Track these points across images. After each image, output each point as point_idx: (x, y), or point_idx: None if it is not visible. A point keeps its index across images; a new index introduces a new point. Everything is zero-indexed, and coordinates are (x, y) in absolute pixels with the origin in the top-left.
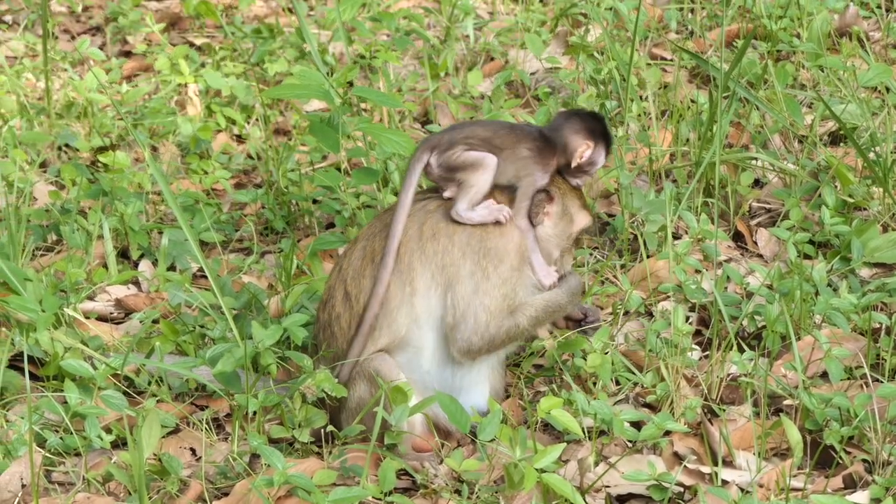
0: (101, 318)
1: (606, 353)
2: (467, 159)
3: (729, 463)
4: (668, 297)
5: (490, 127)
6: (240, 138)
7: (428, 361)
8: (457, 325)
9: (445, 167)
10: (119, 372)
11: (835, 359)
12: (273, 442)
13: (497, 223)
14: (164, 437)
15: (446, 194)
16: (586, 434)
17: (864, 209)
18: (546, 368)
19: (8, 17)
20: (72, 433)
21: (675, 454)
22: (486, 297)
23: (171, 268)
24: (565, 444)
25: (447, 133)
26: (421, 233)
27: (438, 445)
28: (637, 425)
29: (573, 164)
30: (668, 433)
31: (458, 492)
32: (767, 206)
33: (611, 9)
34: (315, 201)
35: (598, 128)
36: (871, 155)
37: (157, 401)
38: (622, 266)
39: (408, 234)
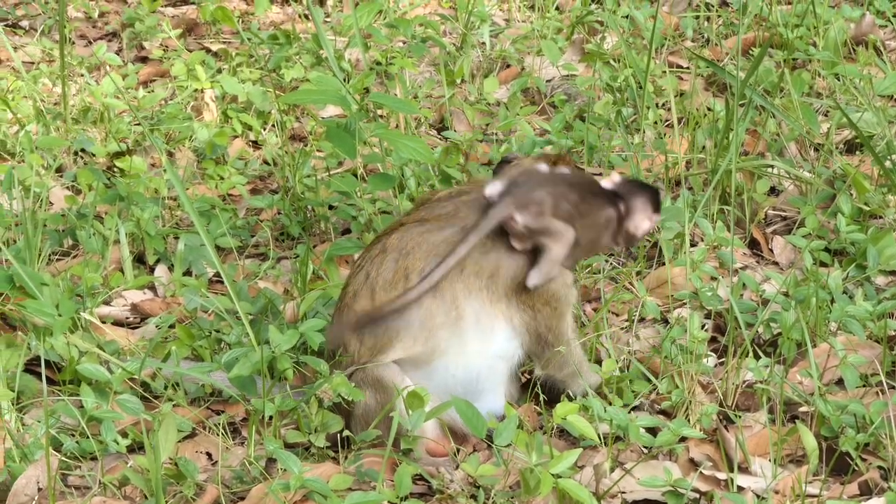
0: (117, 323)
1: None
2: (553, 228)
3: (744, 469)
4: (684, 303)
5: (577, 190)
6: (256, 144)
7: (451, 372)
8: (560, 368)
9: (530, 229)
10: (135, 376)
11: (850, 366)
12: (289, 446)
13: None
14: (180, 441)
15: (517, 246)
16: (602, 440)
17: (880, 217)
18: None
19: (25, 23)
20: (88, 437)
21: (691, 460)
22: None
23: (187, 273)
24: (581, 449)
25: (537, 191)
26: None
27: (454, 450)
28: (653, 431)
29: (630, 233)
30: (683, 439)
31: (473, 497)
32: (783, 213)
33: (627, 16)
34: (331, 207)
35: (659, 204)
36: (888, 163)
37: (173, 405)
38: (638, 273)
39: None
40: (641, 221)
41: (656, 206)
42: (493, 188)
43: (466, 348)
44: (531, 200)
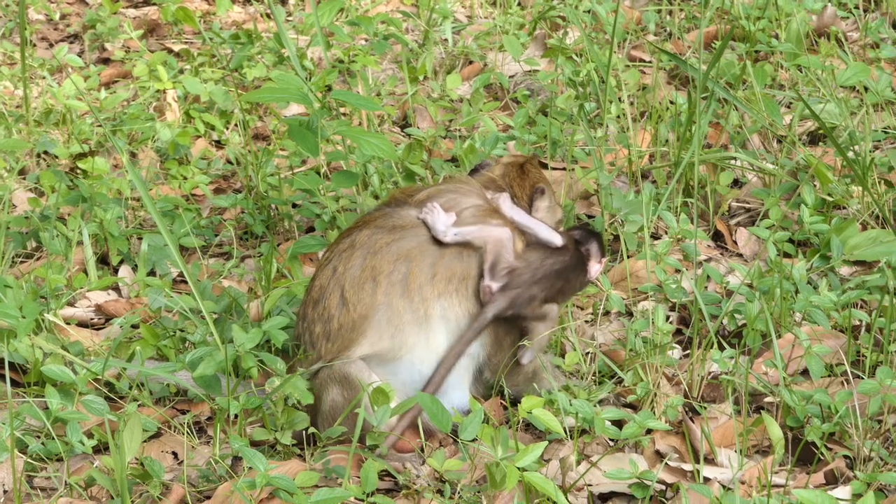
0: (82, 324)
1: (588, 353)
2: (543, 314)
3: (710, 460)
4: (649, 296)
5: (563, 272)
6: (219, 143)
7: (406, 370)
8: (490, 352)
9: (518, 315)
10: (100, 377)
11: (815, 356)
12: (255, 444)
13: None
14: (145, 441)
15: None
16: (568, 433)
17: (844, 208)
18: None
19: None
20: (53, 438)
21: (657, 452)
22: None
23: (151, 273)
24: (547, 443)
25: (527, 287)
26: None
27: (421, 446)
28: (619, 424)
29: (585, 279)
30: (649, 431)
31: (440, 492)
32: (747, 205)
33: (589, 11)
34: (295, 205)
35: (604, 248)
36: (850, 154)
37: (139, 405)
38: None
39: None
40: (593, 266)
41: (603, 251)
42: (493, 285)
43: (433, 345)
44: (519, 297)
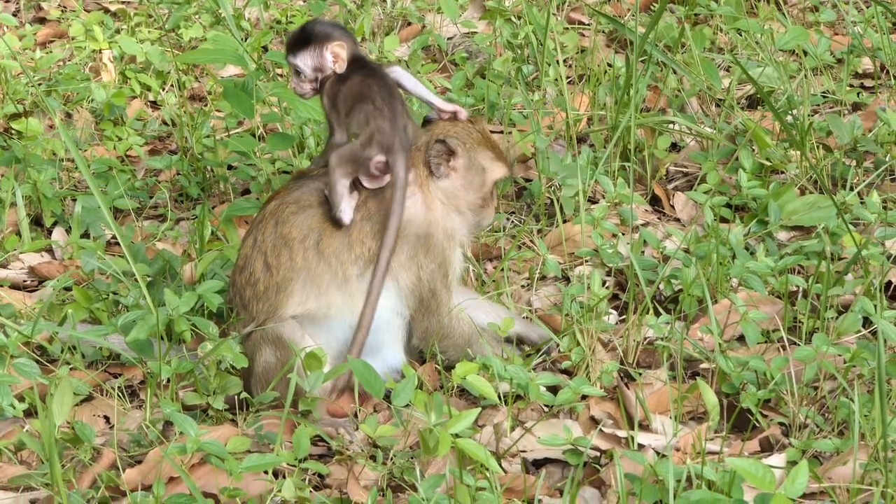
0: (14, 287)
1: (525, 317)
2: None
3: (645, 427)
4: (585, 261)
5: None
6: (154, 104)
7: (337, 329)
8: (418, 321)
9: None
10: (31, 339)
11: (751, 322)
12: (187, 409)
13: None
14: (77, 405)
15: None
16: (502, 399)
17: (782, 172)
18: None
19: None
20: None
21: (592, 418)
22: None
23: (85, 235)
24: (480, 409)
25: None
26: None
27: (354, 411)
28: (553, 390)
29: None
30: (584, 397)
31: (373, 457)
32: (685, 169)
33: None
34: (230, 167)
35: None
36: (789, 118)
37: (71, 369)
38: (539, 231)
39: (328, 230)
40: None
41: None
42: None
43: (356, 304)
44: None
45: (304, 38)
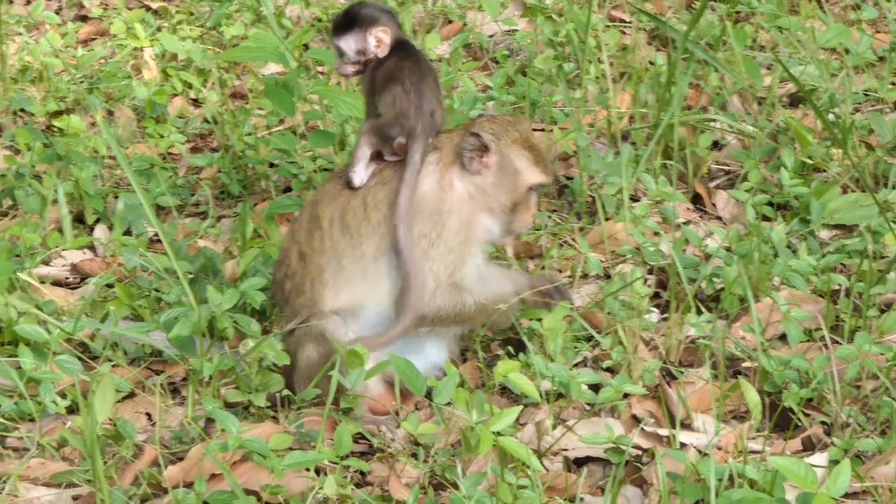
0: (57, 283)
1: (565, 318)
2: None
3: (687, 426)
4: (627, 259)
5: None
6: (196, 102)
7: (375, 325)
8: (403, 291)
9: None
10: (73, 336)
11: (793, 321)
12: (229, 406)
13: None
14: (119, 402)
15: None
16: (544, 397)
17: (824, 171)
18: (503, 331)
19: None
20: (26, 398)
21: (633, 417)
22: (433, 263)
23: (127, 232)
24: (522, 407)
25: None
26: (365, 202)
27: (396, 409)
28: (595, 388)
29: None
30: (626, 396)
31: (414, 455)
32: (726, 167)
33: None
34: (271, 165)
35: None
36: (830, 116)
37: (113, 366)
38: (580, 229)
39: (351, 203)
40: None
41: None
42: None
43: (381, 289)
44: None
45: (349, 21)
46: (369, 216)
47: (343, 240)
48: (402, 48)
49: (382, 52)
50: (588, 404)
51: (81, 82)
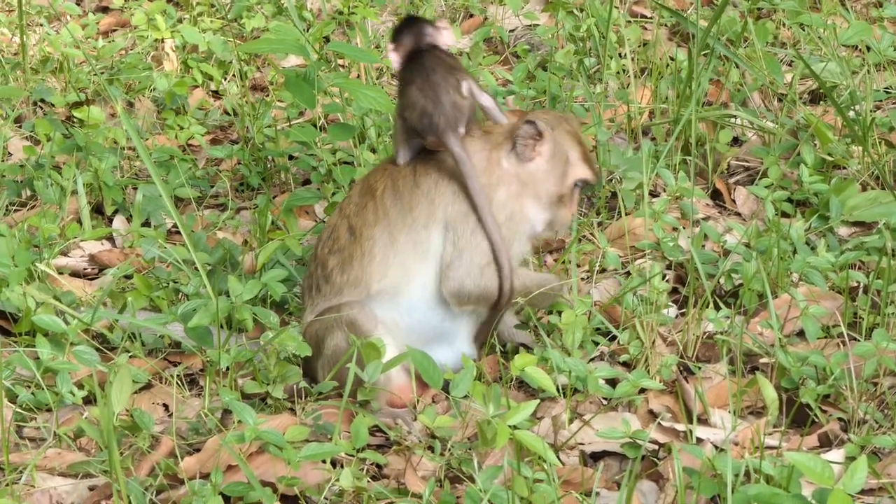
0: (75, 274)
1: (584, 314)
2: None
3: (704, 421)
4: (645, 254)
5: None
6: (216, 94)
7: (417, 307)
8: (451, 264)
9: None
10: (91, 327)
11: (811, 317)
12: (246, 398)
13: None
14: (136, 392)
15: None
16: (561, 391)
17: (843, 168)
18: (520, 325)
19: None
20: (43, 389)
21: (650, 412)
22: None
23: (146, 223)
24: (539, 401)
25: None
26: (415, 170)
27: (414, 402)
28: (612, 383)
29: None
30: (643, 391)
31: (431, 448)
32: (746, 164)
33: None
34: (291, 157)
35: None
36: (851, 113)
37: (130, 356)
38: (599, 223)
39: (402, 171)
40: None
41: None
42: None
43: (428, 271)
44: None
45: (392, 36)
46: (418, 181)
47: (394, 208)
48: (415, 54)
49: (396, 67)
50: (605, 399)
51: (102, 73)
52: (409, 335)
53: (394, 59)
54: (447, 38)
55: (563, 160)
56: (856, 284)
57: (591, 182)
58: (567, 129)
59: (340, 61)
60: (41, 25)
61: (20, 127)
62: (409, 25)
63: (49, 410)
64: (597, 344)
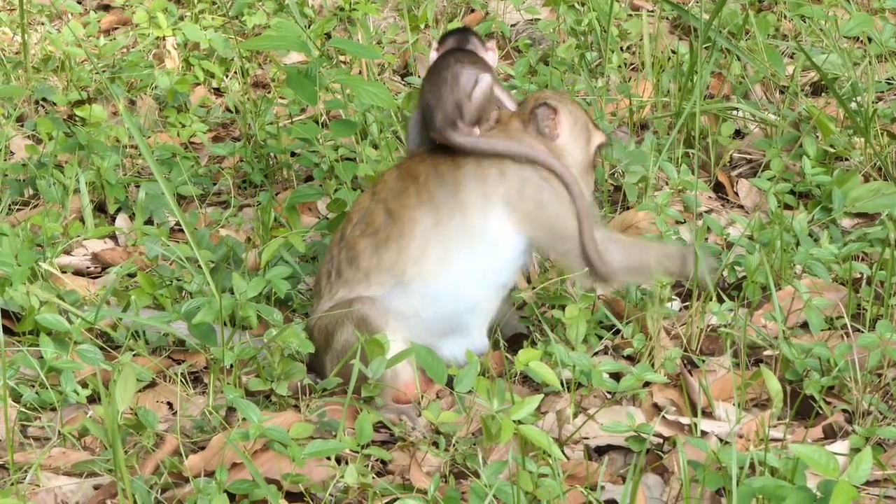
0: (78, 273)
1: (587, 308)
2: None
3: (708, 414)
4: None
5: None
6: (218, 91)
7: (444, 294)
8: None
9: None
10: (94, 326)
11: (815, 309)
12: (251, 395)
13: None
14: (140, 391)
15: None
16: (565, 386)
17: (846, 159)
18: (524, 319)
19: None
20: (47, 388)
21: (655, 405)
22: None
23: (149, 222)
24: (543, 395)
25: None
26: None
27: (418, 398)
28: (616, 377)
29: None
30: (647, 384)
31: (435, 444)
32: (748, 156)
33: None
34: (293, 154)
35: None
36: (853, 105)
37: (134, 355)
38: (603, 217)
39: (441, 156)
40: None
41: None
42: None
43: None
44: None
45: (440, 38)
46: (458, 162)
47: (440, 190)
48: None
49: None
50: (609, 393)
51: (103, 72)
52: (425, 327)
53: (431, 58)
54: (490, 58)
55: (583, 128)
56: (859, 276)
57: (606, 144)
58: (569, 100)
59: (342, 58)
60: (42, 24)
61: (22, 126)
62: (458, 32)
63: (53, 410)
64: (600, 338)
